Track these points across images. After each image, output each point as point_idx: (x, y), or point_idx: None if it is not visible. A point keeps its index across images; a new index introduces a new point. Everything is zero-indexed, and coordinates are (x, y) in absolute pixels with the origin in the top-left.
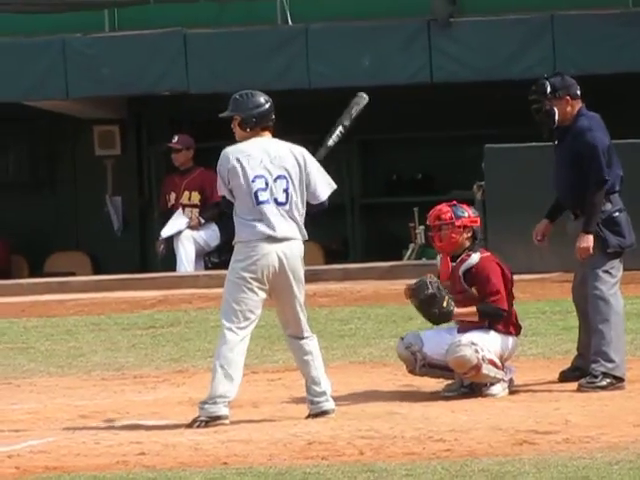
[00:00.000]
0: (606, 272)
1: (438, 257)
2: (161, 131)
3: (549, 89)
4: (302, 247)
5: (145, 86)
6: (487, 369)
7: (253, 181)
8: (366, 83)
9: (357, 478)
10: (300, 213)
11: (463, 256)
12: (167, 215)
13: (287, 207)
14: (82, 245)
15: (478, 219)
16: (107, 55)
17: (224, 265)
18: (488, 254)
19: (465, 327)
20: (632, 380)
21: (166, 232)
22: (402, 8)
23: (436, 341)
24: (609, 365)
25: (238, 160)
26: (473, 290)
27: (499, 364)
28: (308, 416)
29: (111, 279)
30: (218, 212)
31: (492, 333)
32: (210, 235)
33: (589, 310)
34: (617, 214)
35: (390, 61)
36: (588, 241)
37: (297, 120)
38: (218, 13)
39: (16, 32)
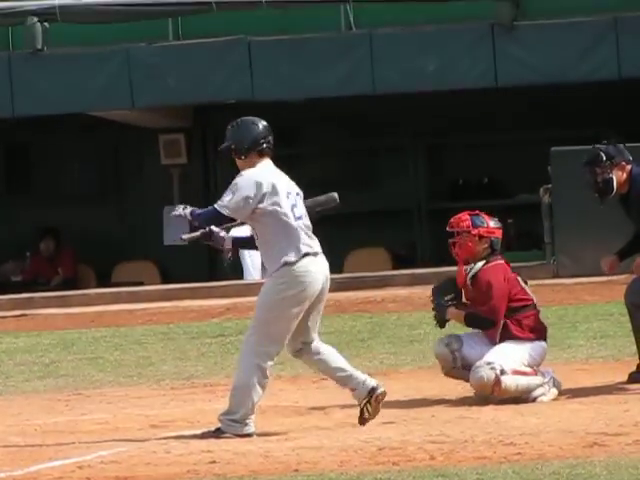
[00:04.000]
0: None
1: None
2: None
3: (604, 157)
4: None
5: (210, 95)
6: (510, 379)
7: (288, 197)
8: (431, 88)
9: None
10: None
11: (472, 264)
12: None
13: (308, 222)
14: (149, 254)
15: (497, 231)
16: (172, 64)
17: None
18: (495, 262)
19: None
20: None
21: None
22: (466, 12)
23: (474, 343)
24: None
25: (273, 178)
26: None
27: (529, 371)
28: (362, 404)
29: (179, 288)
30: None
31: (514, 342)
32: None
33: None
34: None
35: (455, 65)
36: None
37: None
38: (282, 20)
39: (80, 42)
